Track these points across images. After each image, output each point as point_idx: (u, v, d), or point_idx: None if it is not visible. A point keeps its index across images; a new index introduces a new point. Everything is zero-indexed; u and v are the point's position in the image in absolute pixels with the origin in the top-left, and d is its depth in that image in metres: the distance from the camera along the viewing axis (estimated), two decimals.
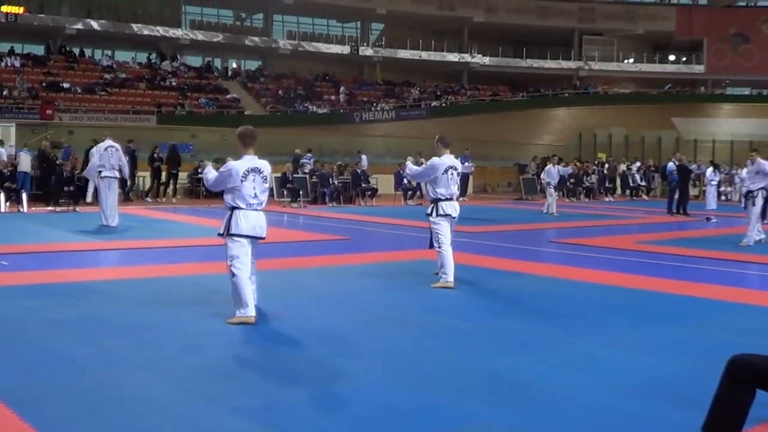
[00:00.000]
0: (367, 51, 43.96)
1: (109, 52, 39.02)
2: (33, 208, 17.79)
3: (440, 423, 4.12)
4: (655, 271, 10.05)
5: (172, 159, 22.32)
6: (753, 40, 47.36)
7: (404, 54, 44.38)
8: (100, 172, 14.00)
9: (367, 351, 5.63)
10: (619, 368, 5.27)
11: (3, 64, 33.15)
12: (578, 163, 29.97)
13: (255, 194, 6.48)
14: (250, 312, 6.34)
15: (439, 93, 42.87)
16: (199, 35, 40.08)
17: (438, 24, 45.71)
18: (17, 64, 33.39)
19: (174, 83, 36.16)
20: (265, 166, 6.63)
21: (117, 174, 14.17)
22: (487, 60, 46.07)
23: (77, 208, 17.85)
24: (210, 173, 6.80)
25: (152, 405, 4.29)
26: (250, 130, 6.76)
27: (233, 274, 6.37)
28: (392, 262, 10.42)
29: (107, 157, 14.01)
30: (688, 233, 15.68)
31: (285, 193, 21.68)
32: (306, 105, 37.18)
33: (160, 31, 38.25)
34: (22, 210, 17.24)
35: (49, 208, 18.05)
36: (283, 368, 5.17)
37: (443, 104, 40.95)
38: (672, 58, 50.37)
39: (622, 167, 31.08)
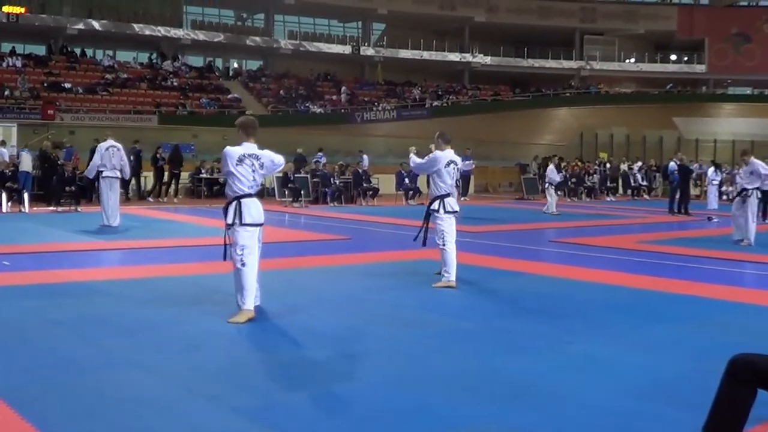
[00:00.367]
0: (368, 51, 43.97)
1: (111, 52, 39.04)
2: (34, 209, 17.81)
3: (441, 423, 4.12)
4: (656, 270, 10.05)
5: (174, 159, 22.33)
6: (754, 39, 47.33)
7: (405, 54, 44.38)
8: (101, 171, 14.01)
9: (368, 351, 5.62)
10: (619, 368, 5.27)
11: (4, 65, 33.17)
12: (579, 163, 29.98)
13: (254, 178, 6.52)
14: (250, 305, 6.38)
15: (440, 93, 42.86)
16: (201, 35, 40.10)
17: (439, 24, 45.70)
18: (19, 64, 33.41)
19: (175, 83, 36.17)
20: (264, 154, 6.63)
21: (118, 174, 14.18)
22: (488, 60, 46.07)
23: (79, 208, 17.86)
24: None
25: (152, 405, 4.29)
26: (252, 119, 6.85)
27: (243, 263, 6.38)
28: (393, 262, 10.42)
29: (108, 157, 14.01)
30: (690, 233, 15.67)
31: (286, 192, 21.68)
32: (307, 105, 37.18)
33: (161, 31, 38.27)
34: (23, 210, 17.25)
35: (51, 208, 18.06)
36: (283, 368, 5.17)
37: (444, 104, 40.95)
38: (673, 57, 50.36)
39: (624, 167, 31.07)
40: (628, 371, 5.19)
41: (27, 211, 17.25)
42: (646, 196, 29.91)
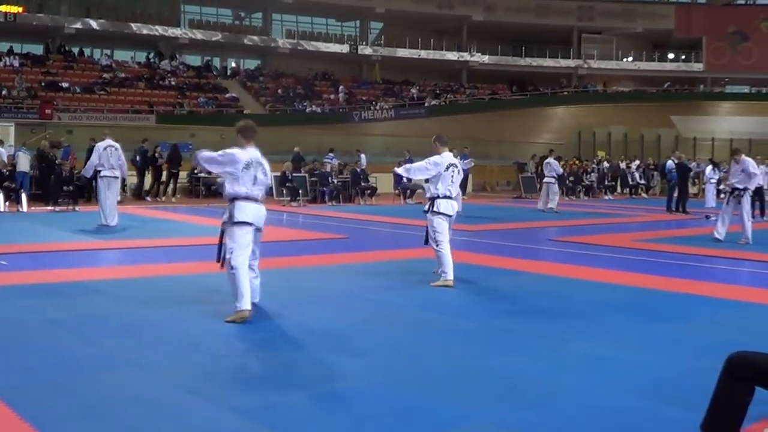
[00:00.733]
0: (366, 50, 43.97)
1: (108, 52, 39.03)
2: (32, 208, 17.79)
3: (440, 422, 4.12)
4: (654, 269, 10.06)
5: (173, 158, 22.32)
6: (752, 38, 47.36)
7: (403, 53, 44.39)
8: (99, 171, 14.01)
9: (366, 350, 5.63)
10: (618, 367, 5.27)
11: (2, 64, 33.16)
12: (577, 162, 29.99)
13: (254, 184, 6.52)
14: (245, 305, 6.33)
15: (438, 92, 42.88)
16: (198, 34, 40.09)
17: (437, 23, 45.71)
18: (16, 63, 33.40)
19: (173, 82, 36.17)
20: (265, 161, 6.66)
21: (116, 173, 14.17)
22: (486, 59, 46.10)
23: (76, 208, 17.85)
24: (205, 152, 6.72)
25: (151, 405, 4.29)
26: (251, 123, 6.83)
27: (231, 267, 6.38)
28: (392, 261, 10.42)
29: (106, 157, 14.00)
30: (687, 231, 15.69)
31: (284, 192, 21.68)
32: (305, 104, 37.17)
33: (159, 30, 38.27)
34: (21, 210, 17.24)
35: (49, 207, 18.05)
36: (282, 368, 5.17)
37: (442, 103, 40.96)
38: (671, 56, 50.41)
39: (622, 165, 31.09)
40: (626, 370, 5.19)
41: (25, 210, 17.24)
42: (644, 195, 29.93)
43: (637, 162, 31.52)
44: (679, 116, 42.20)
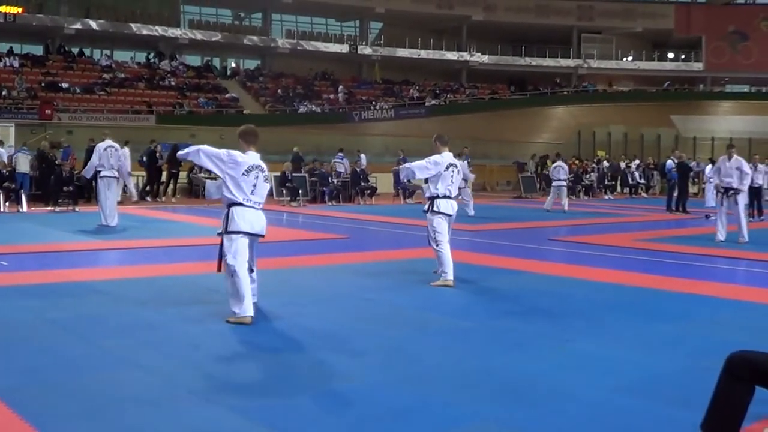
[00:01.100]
0: (365, 50, 43.95)
1: (108, 52, 39.01)
2: (32, 208, 17.81)
3: (440, 422, 4.12)
4: (654, 268, 10.06)
5: (173, 159, 22.29)
6: (752, 37, 47.35)
7: (403, 53, 44.38)
8: (99, 171, 14.02)
9: (366, 350, 5.63)
10: (618, 366, 5.28)
11: (2, 65, 33.14)
12: (577, 162, 30.00)
13: (253, 191, 6.46)
14: (247, 311, 6.29)
15: (438, 91, 42.86)
16: (198, 35, 40.08)
17: (437, 22, 45.69)
18: (16, 64, 33.38)
19: (173, 83, 36.16)
20: (265, 167, 6.64)
21: (116, 174, 14.19)
22: (485, 58, 46.08)
23: (76, 208, 17.86)
24: (205, 147, 6.60)
25: (151, 405, 4.30)
26: (252, 128, 6.78)
27: (231, 272, 6.36)
28: (392, 261, 10.42)
29: (106, 157, 14.02)
30: (688, 231, 15.70)
31: (284, 192, 21.68)
32: (305, 104, 37.17)
33: (158, 30, 38.25)
34: (21, 210, 17.25)
35: (49, 208, 18.07)
36: (282, 367, 5.17)
37: (442, 103, 40.95)
38: (671, 55, 50.40)
39: (622, 165, 31.09)
40: (627, 369, 5.20)
41: (25, 211, 17.25)
42: (644, 194, 29.94)
43: (637, 161, 31.52)
44: (679, 116, 42.19)
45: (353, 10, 43.64)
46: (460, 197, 16.03)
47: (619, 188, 30.45)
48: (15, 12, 34.42)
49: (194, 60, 42.14)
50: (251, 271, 6.62)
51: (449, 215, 8.57)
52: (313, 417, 4.19)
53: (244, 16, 44.70)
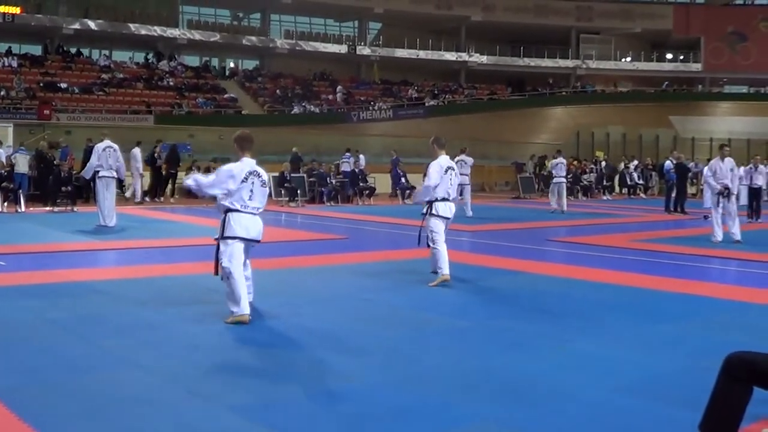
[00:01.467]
0: (364, 50, 43.96)
1: (107, 52, 38.99)
2: (31, 209, 17.79)
3: (439, 422, 4.12)
4: (652, 269, 10.07)
5: (171, 159, 22.31)
6: (750, 38, 47.40)
7: (402, 53, 44.39)
8: (98, 172, 14.02)
9: (365, 350, 5.63)
10: (617, 366, 5.28)
11: (0, 65, 33.11)
12: (575, 162, 30.00)
13: (250, 197, 6.50)
14: (244, 310, 6.34)
15: (436, 92, 42.88)
16: (197, 35, 40.07)
17: (435, 23, 45.71)
18: (14, 64, 33.36)
19: (171, 83, 36.16)
20: (263, 171, 6.66)
21: (114, 174, 14.19)
22: (484, 59, 46.10)
23: (75, 208, 17.85)
24: (201, 179, 6.76)
25: (151, 404, 4.30)
26: (248, 134, 6.83)
27: (227, 275, 6.40)
28: (390, 261, 10.43)
29: (105, 158, 14.02)
30: (686, 231, 15.71)
31: (283, 192, 21.68)
32: (303, 104, 37.17)
33: (157, 30, 38.25)
34: (19, 210, 17.23)
35: (47, 208, 18.05)
36: (281, 367, 5.18)
37: (441, 103, 40.96)
38: (669, 56, 50.43)
39: (620, 166, 31.09)
40: (625, 369, 5.20)
41: (23, 211, 17.23)
42: (642, 195, 29.94)
43: (636, 162, 31.52)
44: (678, 116, 42.22)
45: (352, 10, 43.65)
46: (461, 198, 16.08)
47: (617, 189, 30.46)
48: (14, 12, 34.41)
49: (193, 60, 42.13)
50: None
51: (447, 218, 8.62)
52: (313, 417, 4.19)
53: (243, 17, 44.70)
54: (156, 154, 21.99)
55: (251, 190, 6.51)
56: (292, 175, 21.99)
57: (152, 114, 31.53)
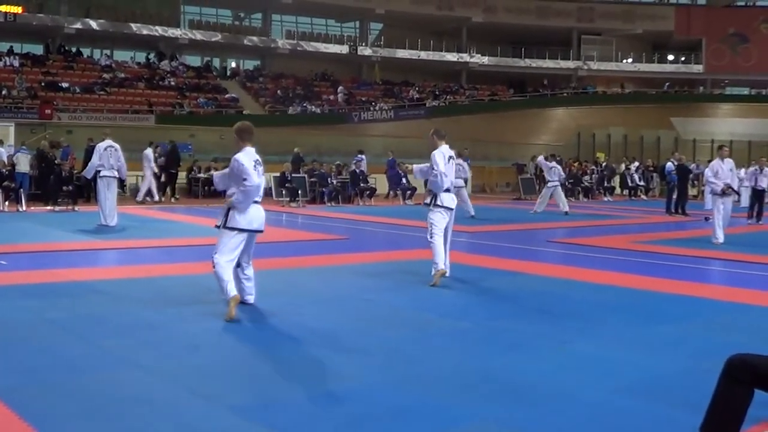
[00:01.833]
0: (365, 51, 43.98)
1: (108, 52, 39.04)
2: (32, 208, 17.80)
3: (439, 422, 4.12)
4: (653, 270, 10.05)
5: (172, 159, 22.31)
6: (752, 39, 47.40)
7: (403, 54, 44.40)
8: (99, 171, 14.03)
9: (365, 350, 5.63)
10: (617, 368, 5.28)
11: (2, 64, 33.16)
12: (576, 164, 30.01)
13: (258, 184, 6.59)
14: (232, 292, 6.42)
15: (437, 93, 42.89)
16: (198, 35, 40.09)
17: (437, 24, 45.73)
18: (16, 63, 33.39)
19: (173, 83, 36.17)
20: (260, 161, 6.76)
21: (116, 174, 14.19)
22: (485, 60, 46.11)
23: (76, 208, 17.86)
24: (218, 174, 7.13)
25: (151, 404, 4.30)
26: (248, 125, 6.89)
27: (214, 265, 6.48)
28: (391, 262, 10.42)
29: (107, 157, 14.03)
30: (687, 233, 15.70)
31: (284, 192, 21.68)
32: (304, 105, 37.18)
33: (158, 30, 38.27)
34: (20, 209, 17.24)
35: (48, 207, 18.06)
36: (281, 367, 5.17)
37: (442, 104, 40.96)
38: (671, 57, 50.44)
39: (621, 167, 31.08)
40: (625, 370, 5.20)
41: (24, 210, 17.24)
42: (643, 197, 29.92)
43: (637, 163, 31.51)
44: (679, 118, 42.23)
45: (353, 11, 43.66)
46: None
47: (618, 190, 30.44)
48: (15, 11, 34.44)
49: (194, 60, 42.17)
50: (238, 266, 6.74)
51: (450, 209, 8.64)
52: (313, 417, 4.19)
53: (244, 17, 44.72)
54: (156, 154, 21.98)
55: (258, 177, 6.58)
56: (293, 175, 21.99)
57: (153, 114, 31.55)
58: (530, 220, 17.97)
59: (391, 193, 25.15)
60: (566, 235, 14.65)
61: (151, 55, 39.21)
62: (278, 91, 38.70)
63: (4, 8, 34.02)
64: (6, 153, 19.68)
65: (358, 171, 23.78)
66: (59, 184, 18.32)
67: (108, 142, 14.24)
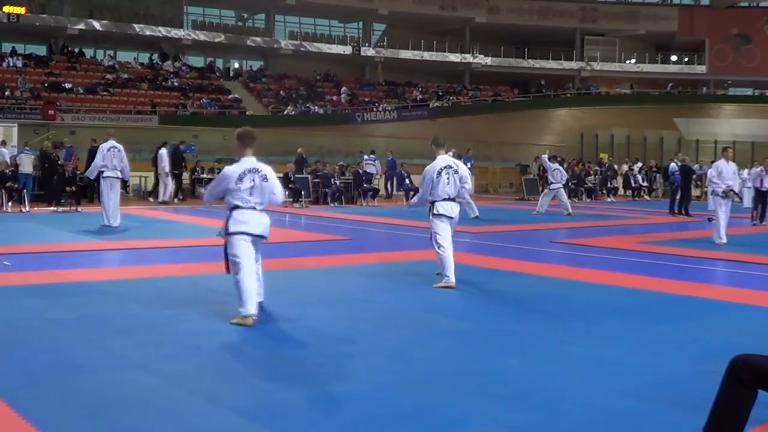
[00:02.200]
0: (368, 51, 43.97)
1: (111, 53, 39.06)
2: (35, 209, 17.82)
3: (442, 424, 4.11)
4: (656, 271, 10.04)
5: (175, 159, 22.31)
6: (755, 40, 47.34)
7: (406, 54, 44.38)
8: (102, 172, 14.04)
9: (368, 351, 5.62)
10: (620, 369, 5.26)
11: (5, 65, 33.18)
12: (579, 164, 30.00)
13: (251, 193, 6.53)
14: (250, 311, 6.32)
15: (440, 93, 42.86)
16: (201, 35, 40.10)
17: (440, 24, 45.71)
18: (19, 64, 33.43)
19: (176, 83, 36.19)
20: (264, 167, 6.66)
21: (119, 174, 14.20)
22: (488, 60, 46.07)
23: (79, 208, 17.87)
24: (205, 193, 7.20)
25: (152, 405, 4.29)
26: (249, 130, 6.84)
27: (236, 272, 6.40)
28: (394, 263, 10.41)
29: (110, 158, 14.03)
30: (690, 234, 15.67)
31: (287, 193, 21.68)
32: (307, 105, 37.18)
33: (162, 31, 38.28)
34: (24, 210, 17.26)
35: (51, 208, 18.08)
36: (283, 368, 5.17)
37: (445, 105, 40.94)
38: (674, 58, 50.36)
39: (624, 167, 31.06)
40: (628, 372, 5.18)
41: (28, 211, 17.26)
42: (646, 197, 29.91)
43: (640, 164, 31.49)
44: (682, 118, 42.18)
45: (356, 11, 43.66)
46: (458, 198, 16.08)
47: (621, 191, 30.43)
48: (18, 12, 34.47)
49: (197, 61, 42.17)
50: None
51: (451, 217, 8.59)
52: (315, 418, 4.18)
53: (248, 17, 44.73)
54: (156, 155, 22.02)
55: (251, 186, 6.54)
56: (297, 176, 22.00)
57: (157, 114, 31.56)
58: (533, 220, 17.96)
59: (393, 193, 25.10)
60: (569, 236, 14.64)
61: (154, 56, 39.23)
62: (281, 92, 38.71)
63: (7, 9, 34.07)
64: (9, 153, 19.71)
65: (368, 172, 23.76)
66: (62, 184, 18.33)
67: (111, 142, 14.24)
